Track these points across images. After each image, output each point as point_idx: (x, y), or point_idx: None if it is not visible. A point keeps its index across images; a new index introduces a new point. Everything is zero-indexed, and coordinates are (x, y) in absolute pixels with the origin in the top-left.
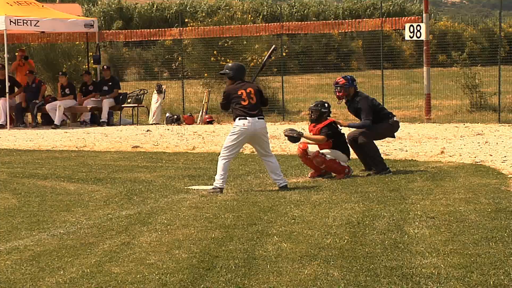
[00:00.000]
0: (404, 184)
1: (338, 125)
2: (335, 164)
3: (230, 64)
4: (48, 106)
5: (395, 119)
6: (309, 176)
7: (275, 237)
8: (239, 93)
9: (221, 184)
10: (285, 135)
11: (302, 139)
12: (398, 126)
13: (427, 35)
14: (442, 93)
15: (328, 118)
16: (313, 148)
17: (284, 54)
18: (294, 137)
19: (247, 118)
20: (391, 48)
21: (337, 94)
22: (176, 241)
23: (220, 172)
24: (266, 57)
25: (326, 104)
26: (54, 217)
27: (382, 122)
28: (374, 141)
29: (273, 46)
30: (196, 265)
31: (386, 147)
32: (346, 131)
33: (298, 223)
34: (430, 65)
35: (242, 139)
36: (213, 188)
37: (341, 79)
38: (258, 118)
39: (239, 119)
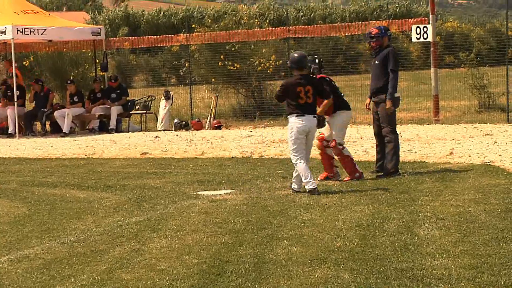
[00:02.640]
0: (413, 186)
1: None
2: (350, 164)
3: (295, 55)
4: (56, 114)
5: (398, 94)
6: (318, 179)
7: (285, 241)
8: (298, 90)
9: (313, 184)
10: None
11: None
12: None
13: (434, 36)
14: (450, 94)
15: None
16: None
17: None
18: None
19: (304, 115)
20: (398, 49)
21: (371, 44)
22: (186, 246)
23: (304, 175)
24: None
25: (316, 60)
26: (64, 225)
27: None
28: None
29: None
30: (207, 271)
31: None
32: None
33: (307, 227)
34: (437, 66)
35: (302, 135)
36: (309, 191)
37: (373, 29)
38: (313, 117)
39: (296, 116)
